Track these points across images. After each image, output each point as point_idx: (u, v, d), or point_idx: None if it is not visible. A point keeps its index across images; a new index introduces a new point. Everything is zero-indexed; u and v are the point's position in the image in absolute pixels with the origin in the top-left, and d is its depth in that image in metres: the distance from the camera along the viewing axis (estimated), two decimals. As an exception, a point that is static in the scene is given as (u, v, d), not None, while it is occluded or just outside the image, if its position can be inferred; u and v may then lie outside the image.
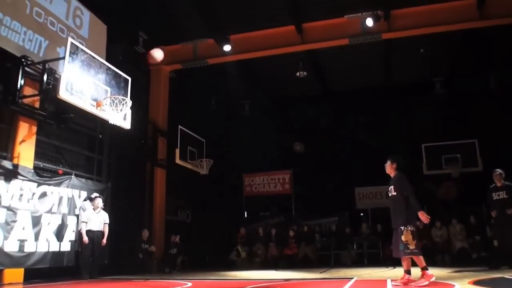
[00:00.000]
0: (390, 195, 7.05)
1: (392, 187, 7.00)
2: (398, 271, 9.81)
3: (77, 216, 9.71)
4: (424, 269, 6.40)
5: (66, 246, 9.39)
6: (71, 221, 9.57)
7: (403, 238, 6.51)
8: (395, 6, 12.02)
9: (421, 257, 6.45)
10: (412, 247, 6.42)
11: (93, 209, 9.66)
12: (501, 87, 15.56)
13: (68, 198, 9.61)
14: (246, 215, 17.84)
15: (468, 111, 16.06)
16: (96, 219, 9.58)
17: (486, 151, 14.15)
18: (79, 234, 9.51)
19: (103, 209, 9.87)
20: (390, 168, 7.31)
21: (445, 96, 16.28)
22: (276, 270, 11.97)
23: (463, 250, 12.30)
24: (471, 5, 11.72)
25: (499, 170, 9.27)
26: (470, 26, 12.08)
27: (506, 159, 14.86)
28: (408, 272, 6.63)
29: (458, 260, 11.69)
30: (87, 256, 9.41)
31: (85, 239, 9.31)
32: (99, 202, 9.77)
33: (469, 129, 14.93)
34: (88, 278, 9.16)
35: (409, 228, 6.52)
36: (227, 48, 12.99)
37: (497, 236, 9.15)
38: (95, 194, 9.94)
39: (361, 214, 16.77)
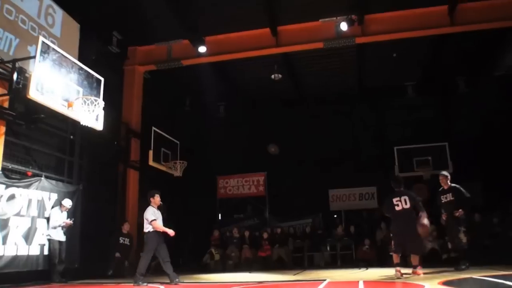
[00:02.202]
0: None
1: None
2: (371, 272, 9.95)
3: (47, 219, 9.52)
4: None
5: (35, 250, 9.17)
6: (40, 224, 9.36)
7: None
8: (369, 11, 12.19)
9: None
10: None
11: (61, 211, 9.54)
12: (471, 91, 15.93)
13: (38, 200, 9.39)
14: (220, 217, 17.78)
15: (439, 115, 16.41)
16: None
17: (456, 153, 14.48)
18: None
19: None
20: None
21: (416, 100, 16.57)
22: (250, 272, 11.95)
23: (434, 251, 12.50)
24: (442, 12, 11.98)
25: (444, 173, 9.35)
26: (442, 31, 12.38)
27: (474, 161, 15.30)
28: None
29: (428, 261, 11.88)
30: (56, 259, 9.27)
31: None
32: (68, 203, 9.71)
33: (439, 132, 15.24)
34: (58, 282, 9.00)
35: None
36: (202, 49, 12.94)
37: (451, 238, 9.27)
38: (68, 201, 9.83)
39: (335, 216, 16.90)
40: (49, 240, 9.38)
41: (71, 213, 9.96)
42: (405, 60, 14.88)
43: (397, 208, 8.04)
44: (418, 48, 14.11)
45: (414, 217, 7.92)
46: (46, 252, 9.41)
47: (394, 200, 8.10)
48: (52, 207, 9.68)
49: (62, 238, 9.54)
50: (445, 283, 6.48)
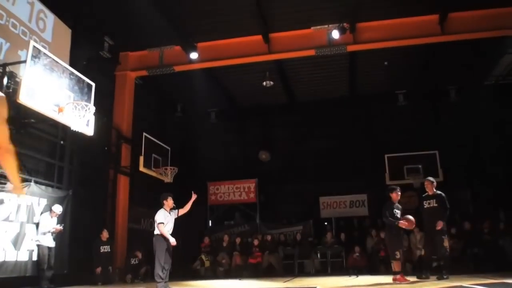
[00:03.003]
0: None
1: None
2: (361, 280, 9.95)
3: (37, 224, 9.44)
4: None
5: (24, 256, 9.08)
6: (29, 229, 9.27)
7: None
8: (360, 19, 12.26)
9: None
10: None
11: (51, 217, 9.47)
12: (461, 99, 16.07)
13: (27, 205, 9.30)
14: (210, 224, 17.71)
15: (429, 123, 16.52)
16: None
17: (446, 162, 14.58)
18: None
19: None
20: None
21: (407, 108, 16.67)
22: (240, 279, 11.92)
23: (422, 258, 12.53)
24: (433, 21, 12.09)
25: (431, 178, 9.28)
26: (432, 40, 12.47)
27: (464, 170, 15.41)
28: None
29: (418, 269, 11.90)
30: (45, 265, 9.19)
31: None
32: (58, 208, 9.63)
33: (430, 141, 15.34)
34: (46, 288, 8.92)
35: None
36: (194, 55, 12.93)
37: (427, 245, 9.30)
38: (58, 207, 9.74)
39: (325, 223, 16.91)
40: (38, 245, 9.29)
41: (60, 219, 9.88)
42: (396, 68, 14.99)
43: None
44: (409, 56, 14.23)
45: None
46: (34, 257, 9.32)
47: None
48: (42, 213, 9.59)
49: (52, 244, 9.45)
50: (435, 291, 6.50)
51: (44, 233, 9.28)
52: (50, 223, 9.40)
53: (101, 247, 11.23)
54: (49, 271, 9.31)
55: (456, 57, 13.98)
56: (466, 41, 12.30)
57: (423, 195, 9.24)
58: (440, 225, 8.63)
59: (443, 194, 8.99)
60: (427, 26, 12.17)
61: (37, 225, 9.42)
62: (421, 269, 9.07)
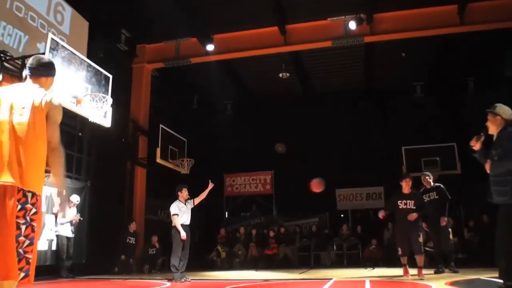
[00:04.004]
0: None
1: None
2: (377, 272, 9.93)
3: (55, 214, 9.59)
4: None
5: (43, 245, 9.27)
6: (48, 219, 9.43)
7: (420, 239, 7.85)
8: (378, 10, 12.13)
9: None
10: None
11: (69, 207, 9.60)
12: (480, 91, 15.80)
13: (46, 196, 9.47)
14: (227, 215, 17.80)
15: (447, 115, 16.29)
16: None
17: (465, 154, 14.35)
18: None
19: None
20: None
21: (425, 100, 16.47)
22: (256, 270, 11.98)
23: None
24: (452, 11, 11.90)
25: (426, 173, 9.57)
26: (451, 31, 12.28)
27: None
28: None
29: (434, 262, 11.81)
30: (64, 254, 9.35)
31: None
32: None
33: (448, 133, 15.13)
34: (66, 277, 9.08)
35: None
36: (210, 47, 12.95)
37: (433, 239, 9.31)
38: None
39: (341, 215, 16.87)
40: (57, 236, 9.46)
41: (79, 209, 10.03)
42: (414, 60, 14.79)
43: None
44: (427, 47, 14.03)
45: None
46: (54, 247, 9.49)
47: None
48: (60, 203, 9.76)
49: (70, 234, 9.62)
50: (452, 284, 6.46)
51: (63, 223, 9.43)
52: (68, 213, 9.54)
53: (128, 237, 11.44)
54: (68, 261, 9.51)
55: (475, 48, 13.75)
56: (485, 31, 12.09)
57: (421, 190, 9.20)
58: (444, 221, 8.78)
59: (442, 186, 9.19)
60: (446, 17, 11.99)
61: (56, 215, 9.57)
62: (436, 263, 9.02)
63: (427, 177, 9.28)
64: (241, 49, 13.23)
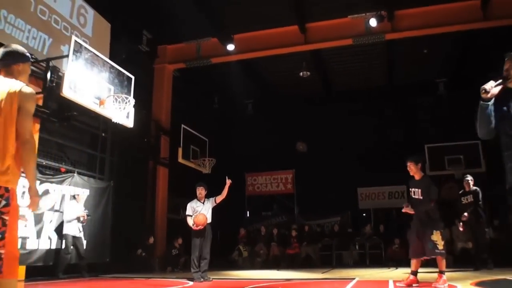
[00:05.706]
0: (415, 197, 6.80)
1: (419, 190, 6.73)
2: (400, 272, 9.82)
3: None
4: (442, 272, 6.36)
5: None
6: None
7: (433, 237, 6.41)
8: (398, 7, 11.99)
9: (444, 260, 6.50)
10: (440, 247, 6.40)
11: (77, 201, 9.59)
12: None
13: (70, 196, 9.63)
14: (248, 215, 17.83)
15: (471, 112, 15.97)
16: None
17: (489, 152, 14.12)
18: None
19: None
20: (415, 169, 6.88)
21: (448, 97, 16.23)
22: (277, 270, 11.97)
23: (465, 251, 12.26)
24: (475, 6, 11.69)
25: (469, 177, 9.99)
26: (474, 26, 12.05)
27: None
28: (414, 273, 6.61)
29: (460, 261, 11.66)
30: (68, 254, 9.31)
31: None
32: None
33: (472, 130, 14.79)
34: (88, 276, 9.19)
35: (440, 230, 6.53)
36: (230, 47, 12.99)
37: (472, 239, 10.13)
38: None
39: (364, 214, 16.74)
40: (64, 235, 9.34)
41: (99, 208, 10.10)
42: (436, 56, 14.60)
43: None
44: (450, 43, 13.83)
45: None
46: (60, 246, 9.48)
47: None
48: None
49: (77, 233, 9.37)
50: (478, 284, 6.36)
51: (69, 221, 9.29)
52: (75, 210, 9.42)
53: (142, 253, 11.55)
54: (81, 260, 9.45)
55: (498, 43, 13.46)
56: (509, 26, 11.84)
57: (460, 192, 10.00)
58: (465, 217, 9.58)
59: (478, 190, 9.68)
60: (468, 12, 11.77)
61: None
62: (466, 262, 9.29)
63: (469, 180, 9.86)
64: (262, 48, 13.23)
